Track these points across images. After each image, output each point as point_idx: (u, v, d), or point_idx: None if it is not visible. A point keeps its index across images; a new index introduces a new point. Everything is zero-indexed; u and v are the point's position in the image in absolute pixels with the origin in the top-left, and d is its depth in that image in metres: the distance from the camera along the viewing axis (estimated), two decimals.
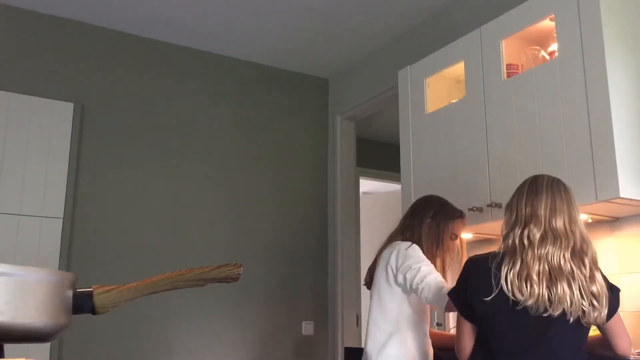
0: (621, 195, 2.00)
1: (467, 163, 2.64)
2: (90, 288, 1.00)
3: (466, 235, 2.81)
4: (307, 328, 4.03)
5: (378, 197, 5.87)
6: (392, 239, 2.29)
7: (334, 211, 4.25)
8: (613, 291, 1.72)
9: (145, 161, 3.74)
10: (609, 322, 1.71)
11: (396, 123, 3.13)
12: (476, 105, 2.63)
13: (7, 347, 0.91)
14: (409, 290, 2.11)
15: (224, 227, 3.89)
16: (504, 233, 1.77)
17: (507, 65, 2.54)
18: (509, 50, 2.56)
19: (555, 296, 1.61)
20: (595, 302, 1.63)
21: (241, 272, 1.08)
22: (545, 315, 1.63)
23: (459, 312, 1.81)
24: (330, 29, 3.79)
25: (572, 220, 1.72)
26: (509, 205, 1.82)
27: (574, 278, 1.63)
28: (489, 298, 1.66)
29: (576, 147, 2.15)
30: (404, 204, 2.88)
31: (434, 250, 2.23)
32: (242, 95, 4.16)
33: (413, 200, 2.56)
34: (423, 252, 2.17)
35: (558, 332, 1.65)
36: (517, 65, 2.55)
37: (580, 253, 1.68)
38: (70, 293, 0.96)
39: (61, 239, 3.37)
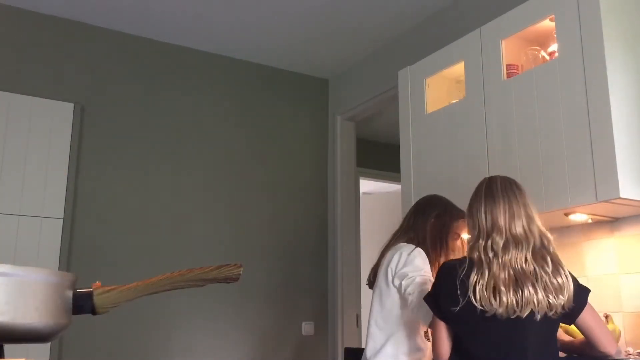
0: (621, 196, 2.00)
1: (467, 163, 2.63)
2: (90, 288, 1.00)
3: (466, 235, 2.81)
4: (307, 328, 4.03)
5: (378, 197, 5.87)
6: (395, 238, 2.29)
7: (334, 211, 4.25)
8: (580, 287, 1.80)
9: (145, 161, 3.74)
10: (582, 318, 1.77)
11: (396, 123, 3.13)
12: (476, 106, 2.63)
13: (7, 347, 0.91)
14: (403, 295, 2.12)
15: (224, 227, 3.89)
16: (470, 244, 1.84)
17: (507, 65, 2.54)
18: (509, 50, 2.56)
19: (522, 300, 1.68)
20: (560, 295, 1.70)
21: (241, 272, 1.08)
22: (513, 317, 1.69)
23: (434, 314, 1.86)
24: (330, 29, 3.79)
25: (530, 220, 1.80)
26: (469, 212, 1.89)
27: (537, 278, 1.70)
28: (457, 308, 1.74)
29: (576, 147, 2.15)
30: (404, 205, 2.88)
31: (438, 250, 2.23)
32: (242, 96, 4.16)
33: (413, 201, 2.56)
34: (427, 252, 2.17)
35: (528, 330, 1.71)
36: (517, 65, 2.55)
37: (541, 250, 1.76)
38: (70, 293, 0.96)
39: (61, 239, 3.37)
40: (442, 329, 1.85)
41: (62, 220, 3.39)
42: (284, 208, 4.13)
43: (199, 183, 3.87)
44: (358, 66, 4.24)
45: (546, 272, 1.71)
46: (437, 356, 1.88)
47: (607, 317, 2.25)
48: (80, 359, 3.29)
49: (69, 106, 3.53)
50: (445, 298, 1.79)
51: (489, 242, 1.77)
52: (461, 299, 1.73)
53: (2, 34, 3.47)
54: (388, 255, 2.23)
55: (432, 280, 2.05)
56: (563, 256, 2.54)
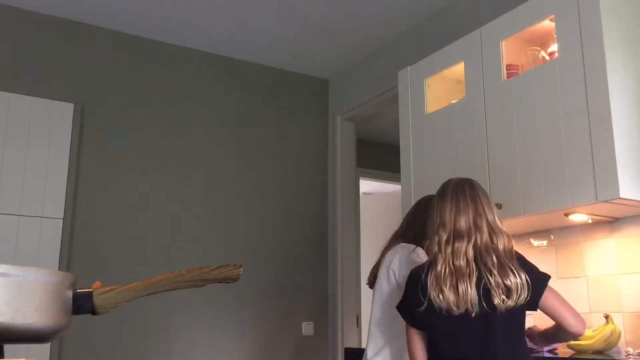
0: (621, 196, 2.00)
1: (467, 164, 2.63)
2: (90, 288, 1.00)
3: None
4: (307, 328, 4.03)
5: (378, 197, 5.87)
6: (395, 238, 2.29)
7: (334, 211, 4.25)
8: (538, 275, 1.73)
9: (145, 161, 3.74)
10: (544, 303, 1.72)
11: (396, 123, 3.13)
12: (476, 106, 2.63)
13: (7, 347, 0.91)
14: None
15: (223, 227, 3.89)
16: (426, 246, 1.88)
17: (507, 65, 2.54)
18: (509, 50, 2.56)
19: (457, 295, 1.67)
20: (509, 297, 1.65)
21: (241, 272, 1.08)
22: (457, 314, 1.68)
23: (406, 322, 1.87)
24: (330, 29, 3.79)
25: (477, 215, 1.78)
26: (428, 218, 1.92)
27: (474, 274, 1.68)
28: (421, 308, 1.74)
29: (576, 147, 2.15)
30: (403, 205, 2.88)
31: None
32: (242, 96, 4.16)
33: (413, 201, 2.56)
34: (427, 252, 2.17)
35: (490, 324, 1.68)
36: (517, 65, 2.55)
37: (487, 246, 1.72)
38: (70, 293, 0.96)
39: (61, 239, 3.37)
40: (414, 336, 1.85)
41: (62, 220, 3.39)
42: (284, 208, 4.13)
43: (198, 183, 3.88)
44: (358, 66, 4.25)
45: (490, 271, 1.67)
46: None
47: (607, 317, 2.25)
48: (80, 359, 3.29)
49: (69, 106, 3.53)
50: (413, 302, 1.79)
51: (435, 238, 1.79)
52: (423, 300, 1.74)
53: (2, 34, 3.47)
54: (388, 255, 2.23)
55: None
56: (563, 257, 2.55)
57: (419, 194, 2.77)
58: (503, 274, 1.66)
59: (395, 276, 2.16)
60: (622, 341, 2.25)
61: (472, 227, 1.75)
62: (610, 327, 2.21)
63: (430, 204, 2.32)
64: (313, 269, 4.15)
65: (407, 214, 2.37)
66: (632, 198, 2.03)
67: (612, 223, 2.37)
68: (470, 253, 1.71)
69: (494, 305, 1.65)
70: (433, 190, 2.49)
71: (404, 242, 2.23)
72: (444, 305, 1.68)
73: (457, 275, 1.69)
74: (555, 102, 2.26)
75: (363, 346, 2.40)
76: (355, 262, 4.31)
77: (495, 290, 1.65)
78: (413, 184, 2.93)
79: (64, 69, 3.60)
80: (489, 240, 1.74)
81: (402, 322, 2.15)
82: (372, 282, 2.32)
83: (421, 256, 2.14)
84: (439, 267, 1.72)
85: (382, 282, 2.21)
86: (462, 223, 1.76)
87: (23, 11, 3.53)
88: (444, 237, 1.76)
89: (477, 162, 2.58)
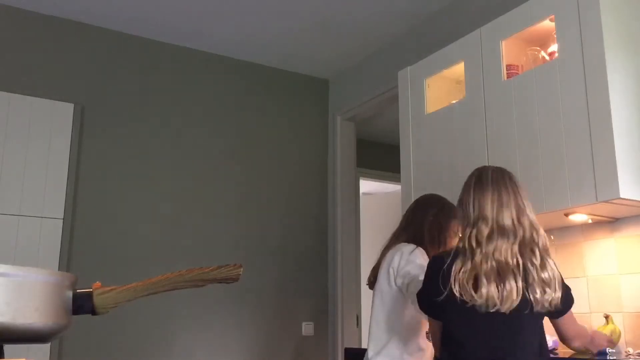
0: (621, 196, 2.00)
1: (467, 164, 2.63)
2: (90, 288, 1.00)
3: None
4: (307, 329, 4.03)
5: (378, 197, 5.87)
6: (395, 238, 2.29)
7: (334, 212, 4.25)
8: (566, 285, 1.74)
9: (145, 162, 3.74)
10: (564, 318, 1.76)
11: (396, 123, 3.13)
12: (476, 106, 2.63)
13: (7, 347, 0.91)
14: (405, 294, 2.12)
15: (224, 227, 3.89)
16: (459, 234, 1.82)
17: (507, 65, 2.55)
18: (509, 50, 2.56)
19: (503, 293, 1.62)
20: (547, 288, 1.64)
21: (241, 272, 1.08)
22: (493, 311, 1.64)
23: (425, 312, 1.87)
24: (330, 29, 3.79)
25: (519, 211, 1.73)
26: (459, 204, 1.84)
27: (520, 271, 1.64)
28: (441, 298, 1.70)
29: (576, 148, 2.15)
30: (403, 205, 2.88)
31: (436, 249, 2.23)
32: (242, 96, 4.16)
33: (413, 201, 2.55)
34: (426, 251, 2.17)
35: (514, 323, 1.66)
36: (517, 66, 2.55)
37: (530, 243, 1.69)
38: (70, 294, 0.96)
39: (61, 239, 3.37)
40: (436, 324, 1.85)
41: (62, 220, 3.39)
42: (284, 208, 4.13)
43: (198, 183, 3.88)
44: (358, 66, 4.25)
45: (534, 266, 1.65)
46: (435, 350, 1.92)
47: (607, 317, 2.25)
48: (80, 359, 3.29)
49: (69, 106, 3.53)
50: (432, 288, 1.76)
51: (474, 232, 1.71)
52: (444, 289, 1.69)
53: (2, 34, 3.47)
54: (388, 255, 2.23)
55: None
56: (563, 257, 2.55)
57: (419, 194, 2.77)
58: (544, 269, 1.66)
59: (394, 275, 2.16)
60: (622, 341, 2.25)
61: (517, 224, 1.71)
62: (610, 327, 2.21)
63: (427, 204, 2.32)
64: (313, 269, 4.15)
65: (406, 213, 2.37)
66: (632, 198, 2.03)
67: (612, 223, 2.37)
68: (516, 250, 1.67)
69: (534, 299, 1.63)
70: (433, 191, 2.51)
71: (404, 241, 2.23)
72: (480, 302, 1.63)
73: (502, 272, 1.63)
74: (555, 102, 2.26)
75: (363, 346, 2.40)
76: (355, 262, 4.31)
77: (537, 286, 1.63)
78: (413, 184, 2.93)
79: (64, 69, 3.60)
80: (530, 237, 1.70)
81: (402, 322, 2.15)
82: (372, 283, 2.32)
83: (419, 256, 2.14)
84: (477, 261, 1.66)
85: (383, 283, 2.21)
86: (508, 221, 1.71)
87: (23, 11, 3.53)
88: (485, 232, 1.69)
89: (477, 162, 2.57)
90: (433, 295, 1.74)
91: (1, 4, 3.47)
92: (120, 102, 3.74)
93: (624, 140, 2.06)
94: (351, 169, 4.36)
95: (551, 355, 2.20)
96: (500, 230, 1.69)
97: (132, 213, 3.63)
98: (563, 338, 1.83)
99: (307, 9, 3.55)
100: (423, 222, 2.25)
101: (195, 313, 3.67)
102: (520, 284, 1.63)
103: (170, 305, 3.58)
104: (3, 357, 0.91)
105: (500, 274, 1.64)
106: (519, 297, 1.62)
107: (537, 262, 1.66)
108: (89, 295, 0.99)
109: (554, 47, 2.40)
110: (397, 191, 3.79)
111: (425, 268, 2.10)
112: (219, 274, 1.07)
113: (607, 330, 2.21)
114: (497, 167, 1.86)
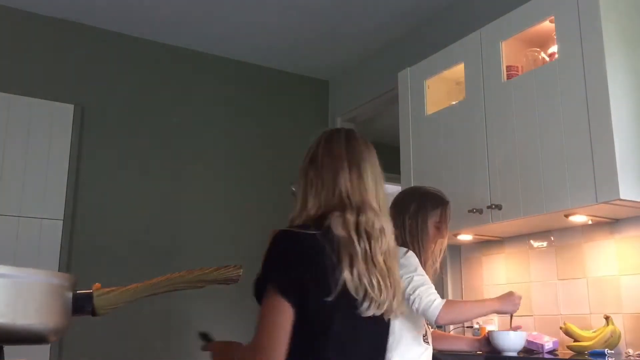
0: (621, 197, 2.00)
1: (467, 165, 2.64)
2: (90, 290, 1.00)
3: (466, 236, 2.81)
4: None
5: None
6: None
7: None
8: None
9: (145, 162, 3.74)
10: None
11: (396, 125, 3.13)
12: (476, 107, 2.63)
13: (7, 348, 0.91)
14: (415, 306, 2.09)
15: (224, 228, 3.89)
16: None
17: (507, 67, 2.55)
18: (508, 52, 2.56)
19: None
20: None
21: (241, 273, 1.08)
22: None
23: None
24: (330, 31, 3.79)
25: (361, 182, 1.47)
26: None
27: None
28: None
29: (576, 149, 2.15)
30: None
31: (420, 248, 2.16)
32: (242, 97, 4.16)
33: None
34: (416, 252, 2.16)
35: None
36: (517, 67, 2.55)
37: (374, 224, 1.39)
38: (70, 295, 0.96)
39: (61, 240, 3.37)
40: None
41: (62, 221, 3.39)
42: (285, 209, 4.11)
43: (198, 184, 3.87)
44: (358, 68, 4.25)
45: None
46: None
47: (607, 318, 2.25)
48: None
49: (69, 107, 3.54)
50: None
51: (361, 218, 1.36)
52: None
53: (2, 35, 3.47)
54: None
55: (428, 278, 2.04)
56: (563, 258, 2.55)
57: None
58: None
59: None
60: (622, 342, 2.24)
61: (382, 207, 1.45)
62: (610, 328, 2.21)
63: (405, 202, 2.22)
64: None
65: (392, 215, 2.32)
66: (632, 199, 2.03)
67: (612, 224, 2.37)
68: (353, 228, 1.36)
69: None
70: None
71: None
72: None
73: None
74: (555, 103, 2.26)
75: None
76: None
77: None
78: (413, 185, 2.92)
79: (64, 70, 3.60)
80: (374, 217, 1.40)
81: (396, 325, 2.13)
82: None
83: (412, 260, 2.11)
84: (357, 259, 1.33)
85: None
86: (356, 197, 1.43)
87: (23, 12, 3.53)
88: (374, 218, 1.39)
89: (477, 163, 2.58)
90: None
91: (1, 4, 3.47)
92: (120, 103, 3.74)
93: (624, 142, 2.06)
94: None
95: (551, 356, 2.20)
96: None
97: (132, 214, 3.63)
98: None
99: (307, 11, 3.55)
100: (401, 224, 2.21)
101: (195, 314, 3.66)
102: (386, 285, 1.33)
103: (170, 306, 3.57)
104: (3, 358, 0.91)
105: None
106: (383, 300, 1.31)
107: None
108: (89, 296, 0.99)
109: (553, 48, 2.41)
110: (397, 192, 3.78)
111: (416, 268, 2.04)
112: (219, 275, 1.07)
113: (607, 331, 2.20)
114: (335, 128, 1.60)
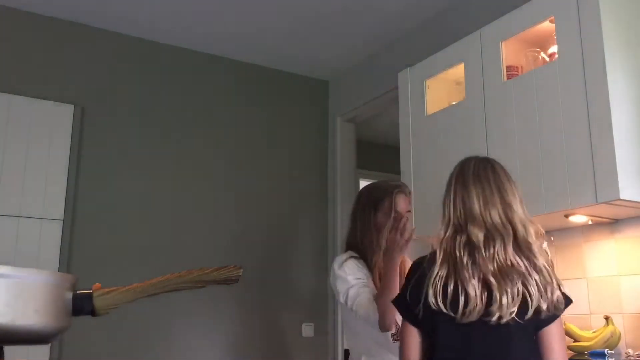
0: (621, 197, 2.00)
1: None
2: (90, 290, 1.00)
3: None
4: (307, 330, 4.03)
5: None
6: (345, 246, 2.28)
7: (334, 213, 4.25)
8: (565, 295, 1.54)
9: (145, 163, 3.74)
10: (549, 329, 1.51)
11: (396, 125, 3.13)
12: (476, 107, 2.63)
13: (7, 349, 0.91)
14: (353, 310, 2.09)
15: (223, 228, 3.89)
16: (440, 237, 1.58)
17: (507, 67, 2.55)
18: (509, 52, 2.56)
19: (491, 301, 1.45)
20: (548, 287, 1.47)
21: (241, 273, 1.08)
22: (480, 321, 1.46)
23: (403, 318, 1.66)
24: (330, 31, 3.79)
25: (507, 206, 1.56)
26: (442, 202, 1.65)
27: (518, 276, 1.46)
28: (419, 307, 1.52)
29: (576, 149, 2.15)
30: None
31: (373, 246, 2.17)
32: (242, 97, 4.16)
33: (413, 202, 2.55)
34: (366, 255, 2.15)
35: (501, 335, 1.48)
36: (517, 67, 2.55)
37: (526, 242, 1.52)
38: (70, 295, 0.96)
39: (61, 240, 3.37)
40: (411, 334, 1.61)
41: (62, 221, 3.39)
42: (284, 209, 4.14)
43: (198, 184, 3.87)
44: (358, 68, 4.25)
45: (533, 267, 1.48)
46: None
47: (607, 318, 2.25)
48: None
49: (69, 108, 3.53)
50: (413, 294, 1.57)
51: (463, 238, 1.53)
52: (422, 297, 1.50)
53: (2, 35, 3.47)
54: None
55: (364, 284, 2.05)
56: (563, 258, 2.55)
57: (419, 195, 2.78)
58: (544, 281, 1.47)
59: (337, 292, 2.16)
60: (622, 343, 2.25)
61: (505, 222, 1.53)
62: (610, 328, 2.21)
63: (356, 203, 2.25)
64: (313, 270, 4.15)
65: (350, 215, 2.31)
66: (632, 199, 2.03)
67: (612, 224, 2.37)
68: (511, 252, 1.48)
69: (538, 303, 1.45)
70: (433, 191, 2.49)
71: (346, 249, 2.22)
72: (466, 312, 1.45)
73: (496, 278, 1.46)
74: (555, 104, 2.26)
75: None
76: None
77: (542, 287, 1.46)
78: (413, 186, 2.93)
79: (64, 70, 3.60)
80: (522, 236, 1.51)
81: (356, 326, 2.13)
82: None
83: (344, 271, 2.11)
84: (465, 268, 1.48)
85: None
86: (495, 218, 1.53)
87: (23, 12, 3.53)
88: (481, 235, 1.51)
89: None
90: (414, 304, 1.55)
91: (1, 4, 3.47)
92: (120, 103, 3.74)
93: (624, 142, 2.06)
94: (351, 170, 4.36)
95: None
96: (492, 230, 1.52)
97: (132, 214, 3.63)
98: (544, 351, 1.53)
99: (307, 11, 3.55)
100: (354, 226, 2.24)
101: (195, 314, 3.66)
102: (509, 291, 1.44)
103: (170, 306, 3.57)
104: (3, 359, 0.91)
105: (496, 279, 1.46)
106: (508, 305, 1.44)
107: (536, 261, 1.49)
108: (89, 297, 0.99)
109: (553, 49, 2.41)
110: None
111: (349, 280, 2.08)
112: (219, 275, 1.07)
113: (607, 332, 2.21)
114: (481, 158, 1.68)
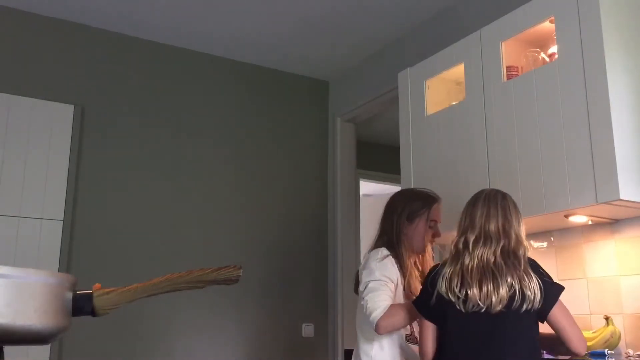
0: (621, 197, 2.00)
1: (468, 165, 2.63)
2: (90, 290, 1.00)
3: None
4: (307, 330, 4.03)
5: (378, 199, 5.84)
6: (375, 243, 2.29)
7: (334, 213, 4.25)
8: (553, 285, 1.84)
9: (145, 163, 3.74)
10: (553, 314, 1.80)
11: (396, 125, 3.13)
12: (476, 108, 2.63)
13: (7, 349, 0.91)
14: (362, 302, 2.13)
15: (224, 229, 3.89)
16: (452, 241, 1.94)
17: (507, 67, 2.54)
18: (508, 52, 2.56)
19: (484, 292, 1.76)
20: (529, 293, 1.75)
21: (241, 274, 1.08)
22: (482, 311, 1.77)
23: (421, 315, 1.95)
24: (330, 31, 3.79)
25: (506, 222, 1.88)
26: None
27: (502, 274, 1.77)
28: (432, 300, 1.87)
29: (576, 149, 2.15)
30: None
31: (413, 247, 2.23)
32: (242, 98, 4.16)
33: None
34: (400, 254, 2.17)
35: (501, 323, 1.77)
36: (517, 67, 2.55)
37: (514, 251, 1.84)
38: (70, 295, 0.96)
39: (61, 240, 3.37)
40: (428, 329, 1.93)
41: (62, 222, 3.39)
42: (284, 209, 4.13)
43: (198, 184, 3.88)
44: (358, 68, 4.25)
45: (517, 271, 1.78)
46: (422, 356, 1.95)
47: (607, 318, 2.25)
48: None
49: (69, 108, 3.54)
50: (428, 295, 1.90)
51: (462, 238, 1.89)
52: (435, 292, 1.86)
53: (2, 36, 3.47)
54: (363, 259, 2.26)
55: (387, 284, 2.08)
56: (563, 258, 2.55)
57: None
58: (528, 276, 1.77)
59: (360, 282, 2.17)
60: (622, 343, 2.24)
61: (501, 232, 1.86)
62: (610, 328, 2.21)
63: (393, 205, 2.31)
64: (313, 270, 4.15)
65: (381, 216, 2.35)
66: (632, 200, 2.03)
67: (612, 225, 2.37)
68: (498, 253, 1.81)
69: (521, 296, 1.74)
70: (434, 191, 2.50)
71: (379, 246, 2.23)
72: (467, 301, 1.77)
73: (485, 272, 1.78)
74: (555, 104, 2.26)
75: None
76: (355, 264, 4.30)
77: (519, 290, 1.75)
78: (413, 186, 2.93)
79: (64, 70, 3.60)
80: (513, 247, 1.84)
81: (382, 339, 2.15)
82: (355, 287, 2.31)
83: (378, 266, 2.13)
84: (465, 263, 1.82)
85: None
86: (493, 226, 1.87)
87: (23, 13, 3.53)
88: (472, 237, 1.86)
89: (477, 163, 2.58)
90: (429, 300, 1.89)
91: (1, 5, 3.47)
92: (120, 103, 3.74)
93: (624, 142, 2.06)
94: (351, 171, 4.36)
95: (551, 356, 2.19)
96: (484, 236, 1.85)
97: (131, 214, 3.63)
98: (566, 343, 1.83)
99: (307, 11, 3.55)
100: (394, 223, 2.25)
101: (195, 314, 3.66)
102: (503, 284, 1.76)
103: (170, 306, 3.57)
104: (3, 359, 0.91)
105: (483, 275, 1.78)
106: (498, 300, 1.74)
107: (521, 269, 1.79)
108: (89, 297, 0.99)
109: (553, 49, 2.41)
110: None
111: (378, 276, 2.11)
112: (219, 276, 1.07)
113: (607, 332, 2.21)
114: (494, 189, 2.01)
